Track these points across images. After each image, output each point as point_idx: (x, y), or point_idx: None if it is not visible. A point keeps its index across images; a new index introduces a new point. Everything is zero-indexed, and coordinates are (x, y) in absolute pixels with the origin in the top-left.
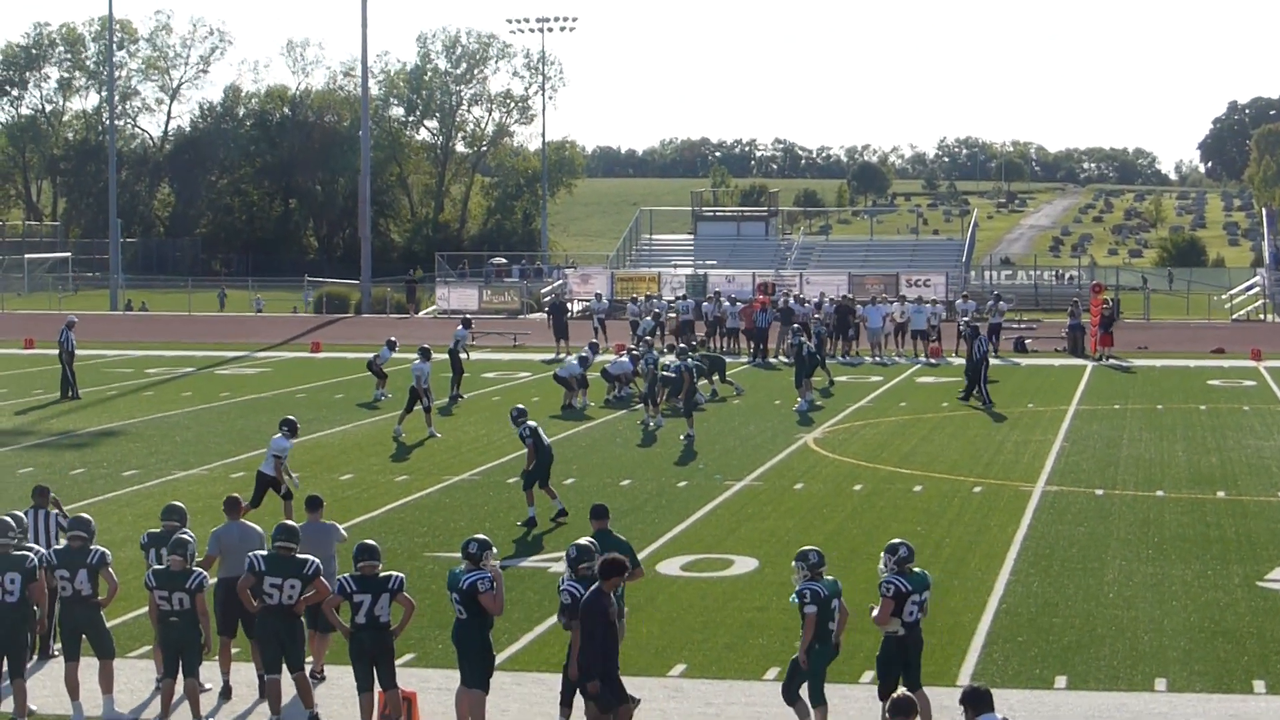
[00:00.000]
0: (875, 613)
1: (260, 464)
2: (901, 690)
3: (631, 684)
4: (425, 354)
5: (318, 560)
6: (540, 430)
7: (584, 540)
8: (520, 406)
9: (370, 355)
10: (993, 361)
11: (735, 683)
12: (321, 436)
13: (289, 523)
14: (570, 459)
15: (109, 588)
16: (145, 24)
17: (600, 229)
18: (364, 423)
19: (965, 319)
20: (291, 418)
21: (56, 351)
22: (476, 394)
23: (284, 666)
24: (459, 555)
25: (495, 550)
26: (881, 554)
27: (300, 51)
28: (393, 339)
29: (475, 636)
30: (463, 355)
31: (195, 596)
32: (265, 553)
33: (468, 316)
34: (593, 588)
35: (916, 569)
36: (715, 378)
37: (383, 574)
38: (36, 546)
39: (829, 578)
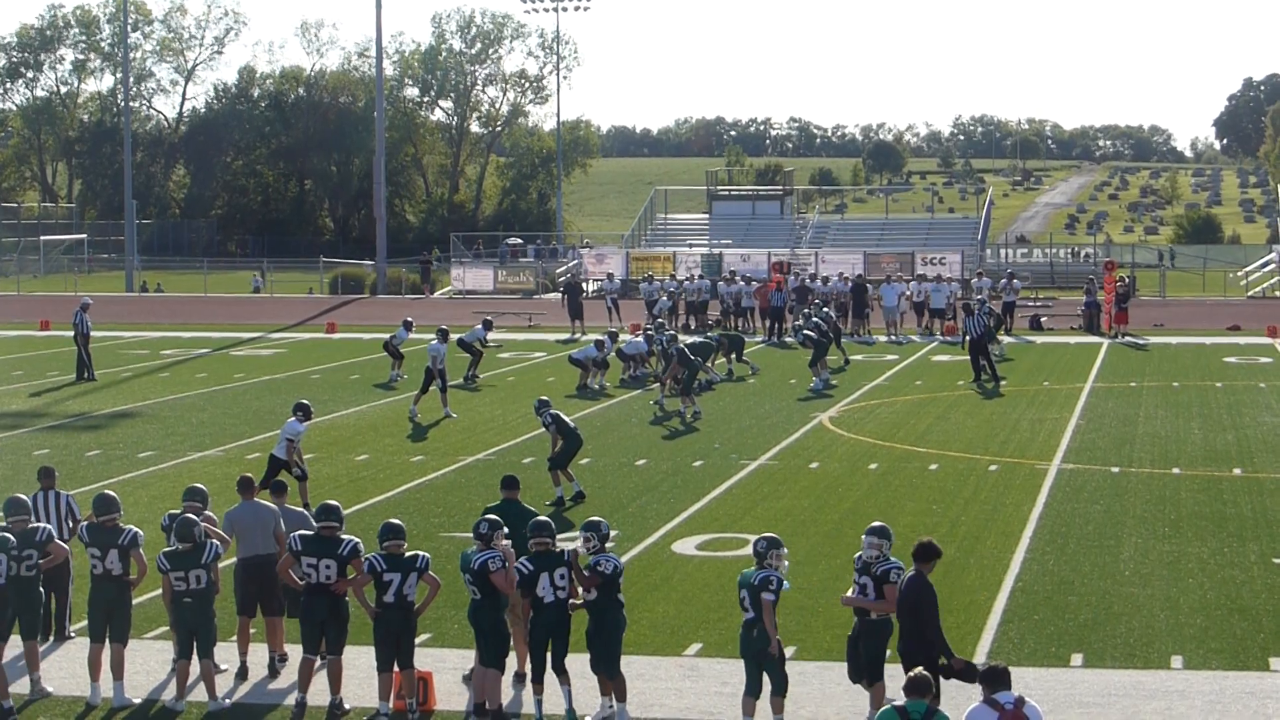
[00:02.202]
0: (881, 600)
1: (273, 447)
2: (919, 669)
3: (647, 663)
4: (443, 335)
5: (356, 540)
6: (562, 416)
7: (542, 517)
8: (544, 398)
9: (386, 336)
10: (1006, 340)
11: None
12: (337, 417)
13: (331, 503)
14: (585, 439)
15: (139, 568)
16: (160, 5)
17: (615, 209)
18: (379, 403)
19: (980, 297)
20: (305, 401)
21: (72, 333)
22: (492, 374)
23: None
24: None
25: (506, 530)
26: (868, 538)
27: (315, 32)
28: (409, 319)
29: (489, 616)
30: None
31: (211, 568)
32: (305, 533)
33: (489, 318)
34: (914, 571)
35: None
36: (732, 356)
37: (409, 553)
38: (45, 525)
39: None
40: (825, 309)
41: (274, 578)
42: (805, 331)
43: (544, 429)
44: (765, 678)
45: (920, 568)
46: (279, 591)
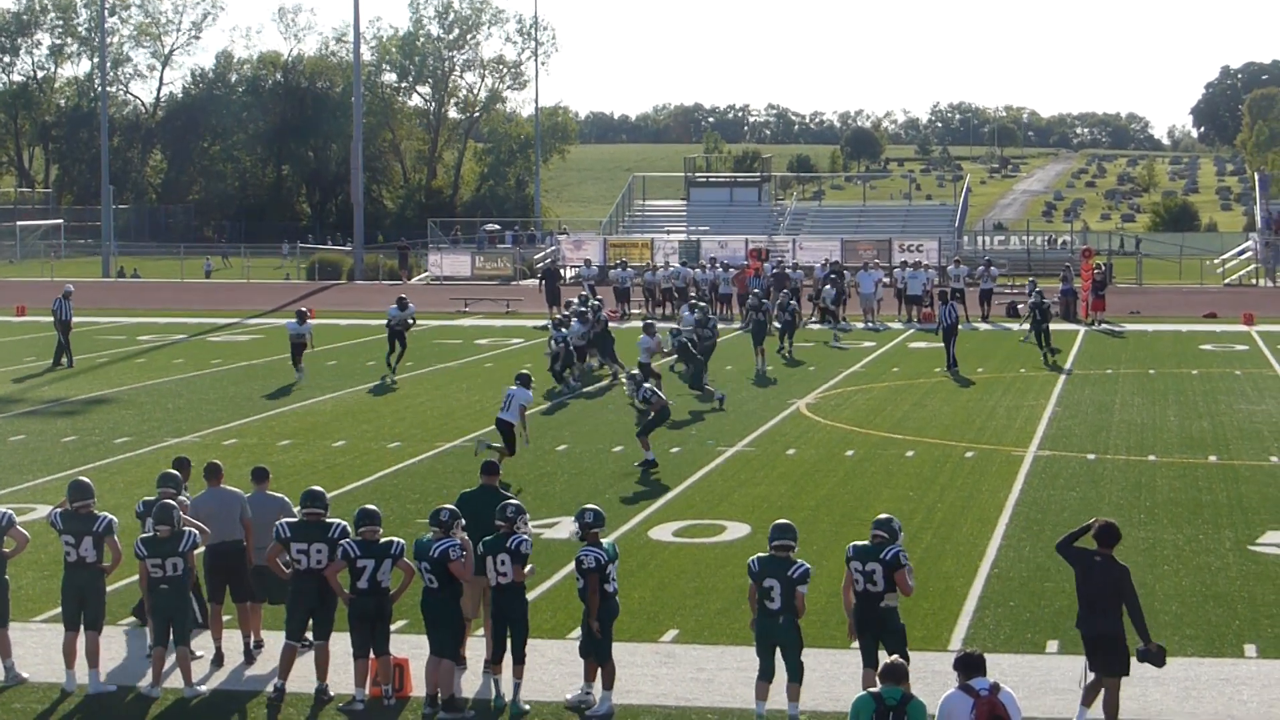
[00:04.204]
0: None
1: (500, 411)
2: (894, 657)
3: (623, 649)
4: (581, 315)
5: (344, 523)
6: (658, 391)
7: (513, 501)
8: (634, 372)
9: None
10: (983, 327)
11: (727, 648)
12: (314, 403)
13: (316, 488)
14: (563, 424)
15: (113, 555)
16: None
17: (593, 195)
18: (357, 389)
19: (1039, 288)
20: (524, 371)
21: (50, 319)
22: (470, 360)
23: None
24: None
25: (464, 521)
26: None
27: (292, 17)
28: (303, 309)
29: (446, 606)
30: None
31: (188, 556)
32: (291, 520)
33: (403, 296)
34: (1100, 555)
35: (886, 540)
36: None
37: (384, 539)
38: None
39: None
40: (793, 300)
41: (242, 564)
42: (759, 307)
43: (643, 401)
44: (780, 666)
45: (1103, 551)
46: (248, 578)
